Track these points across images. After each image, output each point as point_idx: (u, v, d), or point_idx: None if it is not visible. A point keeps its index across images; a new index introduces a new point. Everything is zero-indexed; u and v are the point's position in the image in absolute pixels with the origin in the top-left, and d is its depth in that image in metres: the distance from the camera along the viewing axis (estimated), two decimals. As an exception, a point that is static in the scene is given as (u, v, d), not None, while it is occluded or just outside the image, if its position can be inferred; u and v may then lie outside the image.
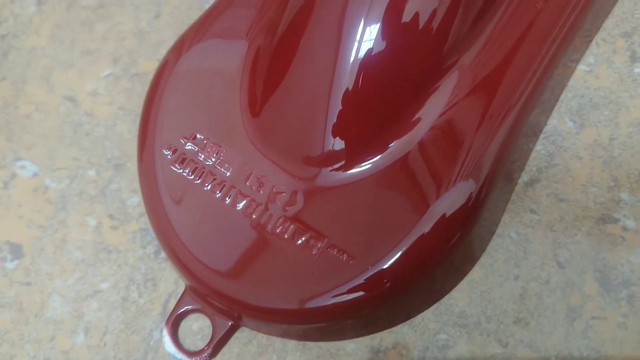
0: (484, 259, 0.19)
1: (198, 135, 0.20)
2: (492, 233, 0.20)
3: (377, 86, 0.19)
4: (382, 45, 0.19)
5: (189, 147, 0.20)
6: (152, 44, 0.24)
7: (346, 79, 0.19)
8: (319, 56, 0.20)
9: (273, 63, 0.20)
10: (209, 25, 0.21)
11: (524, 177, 0.20)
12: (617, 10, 0.22)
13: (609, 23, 0.22)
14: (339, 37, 0.19)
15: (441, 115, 0.19)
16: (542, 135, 0.21)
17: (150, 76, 0.23)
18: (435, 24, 0.19)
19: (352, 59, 0.19)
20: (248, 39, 0.21)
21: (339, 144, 0.19)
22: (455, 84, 0.19)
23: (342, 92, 0.19)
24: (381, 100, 0.19)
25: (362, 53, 0.19)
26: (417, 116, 0.19)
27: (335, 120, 0.19)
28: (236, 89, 0.20)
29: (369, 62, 0.19)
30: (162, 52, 0.24)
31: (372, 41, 0.19)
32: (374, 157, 0.19)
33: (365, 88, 0.19)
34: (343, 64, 0.19)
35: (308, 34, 0.20)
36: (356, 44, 0.19)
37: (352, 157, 0.19)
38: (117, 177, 0.22)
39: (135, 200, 0.22)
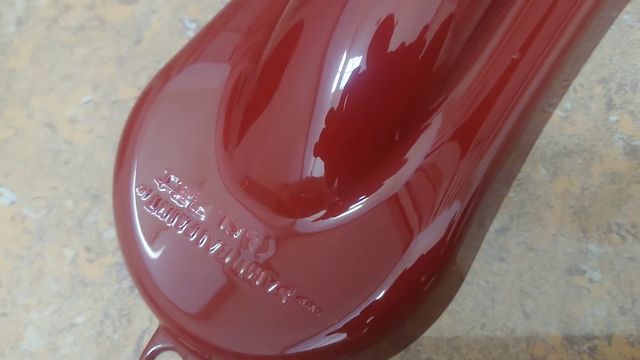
0: (452, 306, 0.20)
1: (172, 177, 0.20)
2: (462, 280, 0.20)
3: (359, 124, 0.19)
4: (365, 79, 0.19)
5: (163, 189, 0.20)
6: (132, 70, 0.24)
7: (325, 115, 0.19)
8: (300, 90, 0.19)
9: (253, 97, 0.20)
10: (184, 61, 0.21)
11: (495, 224, 0.20)
12: (596, 55, 0.22)
13: (587, 68, 0.22)
14: (320, 72, 0.19)
15: (422, 162, 0.19)
16: (515, 182, 0.21)
17: (129, 104, 0.23)
18: (419, 59, 0.19)
19: (332, 93, 0.19)
20: (230, 68, 0.21)
21: (314, 194, 0.19)
22: (439, 126, 0.19)
23: (320, 132, 0.19)
24: (364, 142, 0.19)
25: (344, 87, 0.18)
26: (397, 163, 0.19)
27: (312, 167, 0.19)
28: (212, 130, 0.20)
29: (351, 99, 0.19)
30: (142, 79, 0.24)
31: (355, 75, 0.19)
32: (348, 208, 0.19)
33: (347, 125, 0.19)
34: (323, 100, 0.19)
35: (290, 68, 0.20)
36: (338, 78, 0.19)
37: (330, 207, 0.19)
38: (94, 209, 0.22)
39: (111, 233, 0.22)
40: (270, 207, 0.19)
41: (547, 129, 0.21)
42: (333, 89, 0.19)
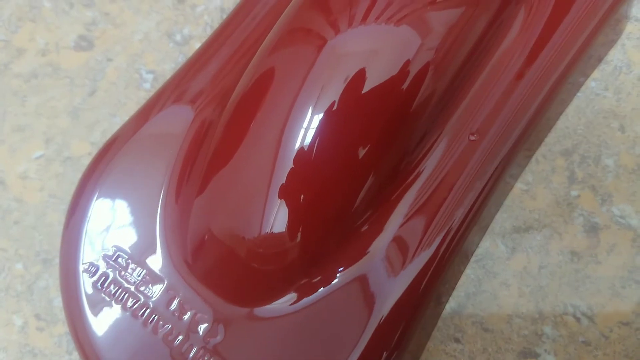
0: (405, 388, 0.20)
1: (121, 254, 0.19)
2: (416, 360, 0.20)
3: (320, 184, 0.19)
4: (328, 138, 0.18)
5: (111, 268, 0.19)
6: (86, 124, 0.23)
7: (287, 172, 0.18)
8: (264, 143, 0.19)
9: (216, 147, 0.20)
10: (133, 133, 0.21)
11: (452, 302, 0.20)
12: (560, 124, 0.22)
13: (551, 137, 0.21)
14: (284, 127, 0.19)
15: (389, 243, 0.19)
16: (473, 258, 0.20)
17: (83, 161, 0.23)
18: (386, 122, 0.19)
19: (296, 149, 0.18)
20: (194, 114, 0.20)
21: (275, 259, 0.19)
22: (410, 202, 0.19)
23: (282, 188, 0.18)
24: (326, 206, 0.19)
25: (307, 144, 0.18)
26: (358, 252, 0.19)
27: (273, 222, 0.19)
28: (157, 205, 0.20)
29: (312, 157, 0.18)
30: (96, 134, 0.23)
31: (318, 132, 0.18)
32: (302, 296, 0.19)
33: (308, 183, 0.19)
34: (286, 156, 0.19)
35: (255, 120, 0.19)
36: (302, 134, 0.18)
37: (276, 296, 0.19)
38: (44, 274, 0.22)
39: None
40: (220, 288, 0.19)
41: (508, 202, 0.21)
42: (297, 145, 0.18)
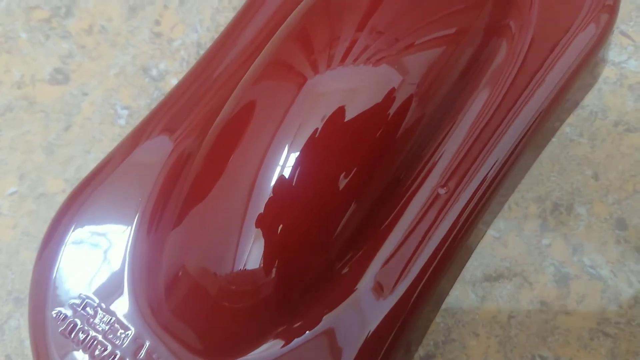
0: None
1: (89, 301, 0.19)
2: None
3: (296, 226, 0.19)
4: (302, 180, 0.18)
5: (79, 316, 0.19)
6: (60, 160, 0.23)
7: (262, 208, 0.18)
8: (240, 180, 0.19)
9: (193, 180, 0.20)
10: (107, 174, 0.20)
11: (421, 351, 0.20)
12: (534, 170, 0.21)
13: (524, 184, 0.21)
14: (260, 167, 0.19)
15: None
16: (443, 306, 0.20)
17: (57, 198, 0.23)
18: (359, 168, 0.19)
19: (272, 187, 0.18)
20: (172, 146, 0.20)
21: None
22: (386, 255, 0.19)
23: (258, 226, 0.18)
24: (302, 249, 0.19)
25: (279, 187, 0.18)
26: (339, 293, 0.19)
27: (246, 261, 0.19)
28: (125, 246, 0.20)
29: (285, 198, 0.18)
30: (71, 170, 0.23)
31: (292, 176, 0.18)
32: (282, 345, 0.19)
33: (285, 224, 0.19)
34: (261, 193, 0.19)
35: (233, 155, 0.19)
36: (276, 176, 0.18)
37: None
38: (16, 313, 0.22)
39: (33, 341, 0.21)
40: (187, 336, 0.19)
41: (479, 249, 0.21)
42: (273, 181, 0.18)
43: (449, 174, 0.19)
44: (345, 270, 0.19)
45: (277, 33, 0.21)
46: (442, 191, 0.19)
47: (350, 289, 0.19)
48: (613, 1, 0.21)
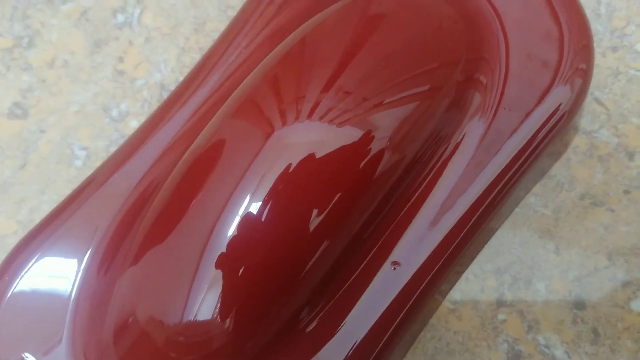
0: None
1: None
2: None
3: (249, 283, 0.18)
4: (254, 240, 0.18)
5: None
6: (14, 200, 0.23)
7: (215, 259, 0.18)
8: (195, 229, 0.19)
9: (152, 221, 0.19)
10: (57, 226, 0.20)
11: (366, 423, 0.20)
12: (494, 241, 0.21)
13: (483, 255, 0.21)
14: (219, 215, 0.18)
15: None
16: (392, 378, 0.20)
17: (8, 240, 0.22)
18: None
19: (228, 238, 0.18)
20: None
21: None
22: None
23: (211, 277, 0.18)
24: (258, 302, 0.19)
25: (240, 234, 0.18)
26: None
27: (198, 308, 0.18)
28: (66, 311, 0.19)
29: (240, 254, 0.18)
30: (24, 211, 0.22)
31: (251, 226, 0.18)
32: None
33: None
34: (214, 248, 0.18)
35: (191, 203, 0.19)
36: (236, 223, 0.18)
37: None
38: (-40, 358, 0.21)
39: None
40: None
41: (434, 320, 0.20)
42: (233, 229, 0.18)
43: (407, 240, 0.19)
44: (311, 327, 0.19)
45: (249, 76, 0.21)
46: (397, 259, 0.19)
47: (316, 348, 0.19)
48: (586, 65, 0.20)
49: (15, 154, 0.23)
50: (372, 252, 0.20)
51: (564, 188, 0.21)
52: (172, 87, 0.23)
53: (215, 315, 0.18)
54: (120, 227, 0.20)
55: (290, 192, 0.18)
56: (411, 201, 0.20)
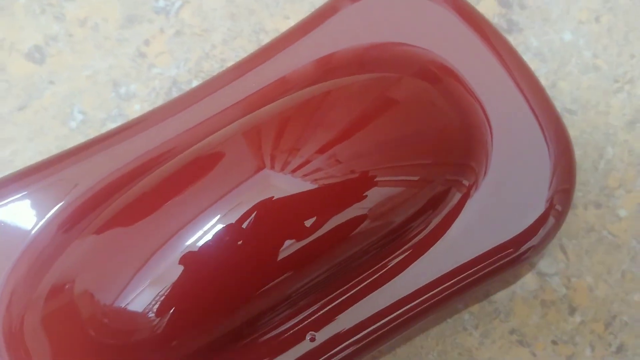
0: None
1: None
2: None
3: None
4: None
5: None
6: (2, 136, 0.23)
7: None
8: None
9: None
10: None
11: None
12: (418, 341, 0.22)
13: (403, 350, 0.22)
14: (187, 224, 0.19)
15: None
16: None
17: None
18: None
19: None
20: None
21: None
22: None
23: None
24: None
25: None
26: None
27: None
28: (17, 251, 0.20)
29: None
30: (6, 151, 0.23)
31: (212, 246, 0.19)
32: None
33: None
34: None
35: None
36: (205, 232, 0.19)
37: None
38: None
39: None
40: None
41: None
42: (204, 235, 0.19)
43: (333, 316, 0.20)
44: None
45: (279, 101, 0.21)
46: (311, 336, 0.19)
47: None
48: (562, 208, 0.21)
49: (19, 93, 0.24)
50: (300, 314, 0.20)
51: (499, 317, 0.22)
52: (184, 87, 0.24)
53: (146, 310, 0.19)
54: (98, 194, 0.21)
55: (258, 227, 0.19)
56: (355, 280, 0.21)
